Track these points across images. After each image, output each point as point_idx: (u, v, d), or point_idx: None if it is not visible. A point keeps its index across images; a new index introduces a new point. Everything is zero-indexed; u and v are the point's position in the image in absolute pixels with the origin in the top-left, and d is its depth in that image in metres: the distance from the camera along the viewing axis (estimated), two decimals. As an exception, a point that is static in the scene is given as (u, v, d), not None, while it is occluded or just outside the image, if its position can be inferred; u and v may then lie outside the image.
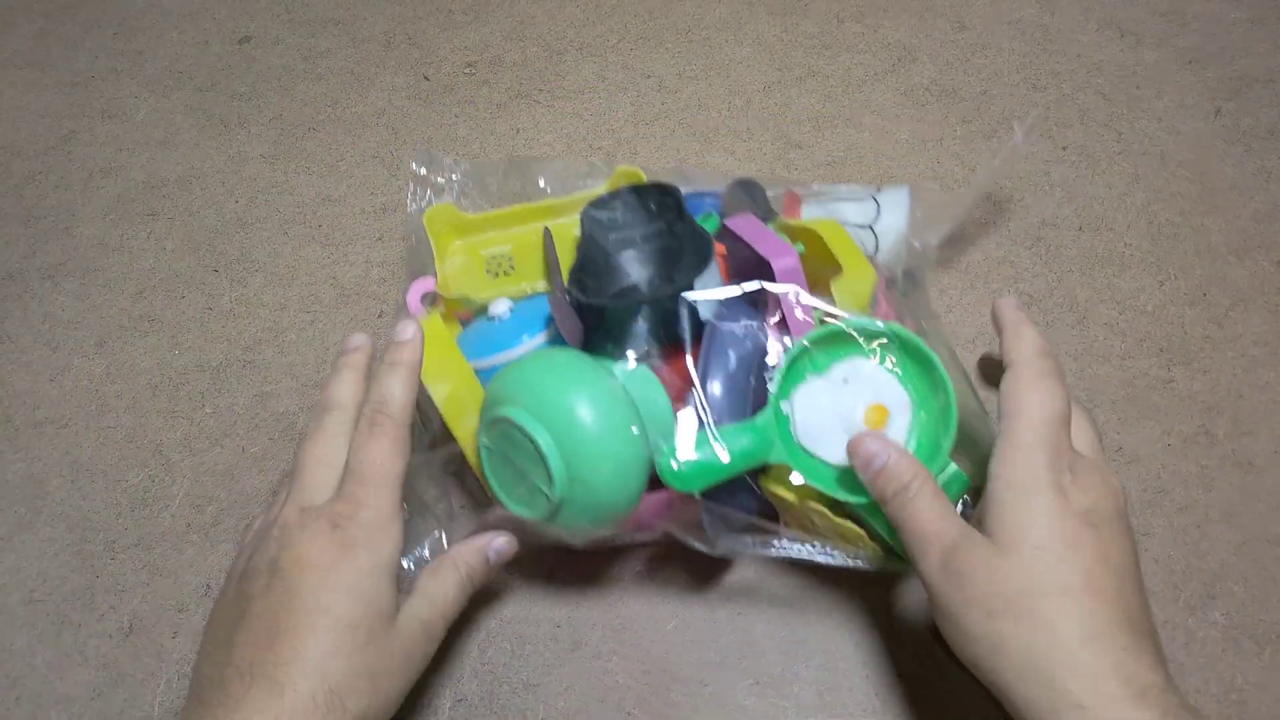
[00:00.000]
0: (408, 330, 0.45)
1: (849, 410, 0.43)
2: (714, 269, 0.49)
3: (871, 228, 0.55)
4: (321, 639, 0.36)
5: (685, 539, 0.45)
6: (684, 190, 0.58)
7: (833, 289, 0.47)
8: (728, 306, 0.48)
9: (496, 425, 0.44)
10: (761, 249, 0.47)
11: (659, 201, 0.51)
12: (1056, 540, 0.36)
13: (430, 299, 0.54)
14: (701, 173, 0.60)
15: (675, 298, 0.47)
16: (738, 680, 0.48)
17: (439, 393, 0.48)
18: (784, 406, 0.44)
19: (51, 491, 0.56)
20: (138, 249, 0.67)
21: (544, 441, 0.42)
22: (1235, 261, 0.62)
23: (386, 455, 0.41)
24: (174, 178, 0.71)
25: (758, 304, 0.48)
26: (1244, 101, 0.70)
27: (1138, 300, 0.60)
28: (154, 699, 0.48)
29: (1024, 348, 0.43)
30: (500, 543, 0.46)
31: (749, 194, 0.57)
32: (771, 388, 0.44)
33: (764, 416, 0.43)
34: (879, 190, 0.57)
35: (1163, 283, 0.61)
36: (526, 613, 0.50)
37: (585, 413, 0.42)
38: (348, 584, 0.37)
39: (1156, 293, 0.61)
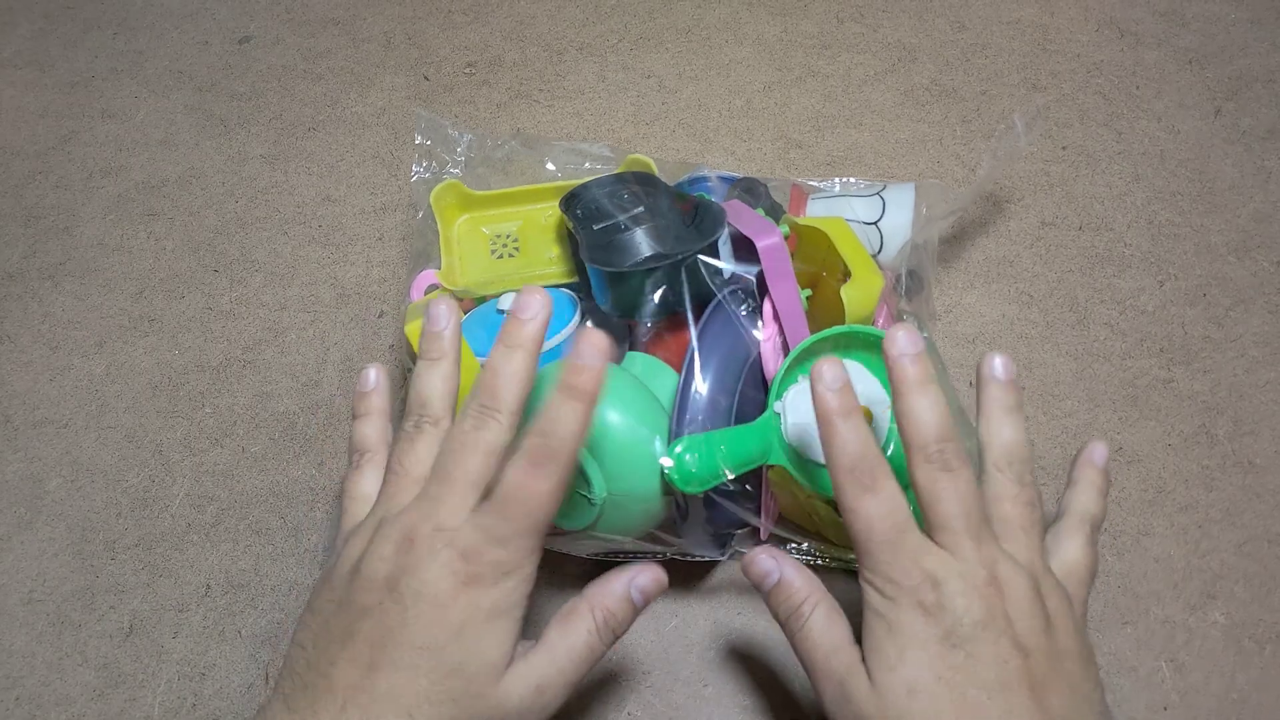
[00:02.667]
0: (589, 352, 0.35)
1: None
2: (728, 241, 0.49)
3: (877, 225, 0.55)
4: (420, 681, 0.33)
5: (694, 550, 0.46)
6: (685, 176, 0.59)
7: (842, 293, 0.47)
8: (722, 311, 0.48)
9: None
10: (745, 229, 0.47)
11: (635, 190, 0.51)
12: (923, 676, 0.33)
13: (432, 291, 0.54)
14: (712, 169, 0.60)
15: (692, 261, 0.47)
16: (738, 680, 0.48)
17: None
18: (776, 407, 0.44)
19: (51, 491, 0.56)
20: (138, 249, 0.67)
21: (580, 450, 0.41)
22: (1235, 261, 0.62)
23: (544, 498, 0.35)
24: (174, 178, 0.71)
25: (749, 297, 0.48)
26: (1244, 101, 0.70)
27: (1138, 300, 0.60)
28: (154, 699, 0.48)
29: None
30: (644, 580, 0.38)
31: (750, 192, 0.57)
32: (770, 393, 0.44)
33: (764, 418, 0.44)
34: (885, 188, 0.57)
35: (1163, 283, 0.61)
36: (527, 613, 0.50)
37: (614, 416, 0.42)
38: (461, 624, 0.34)
39: (1156, 293, 0.61)
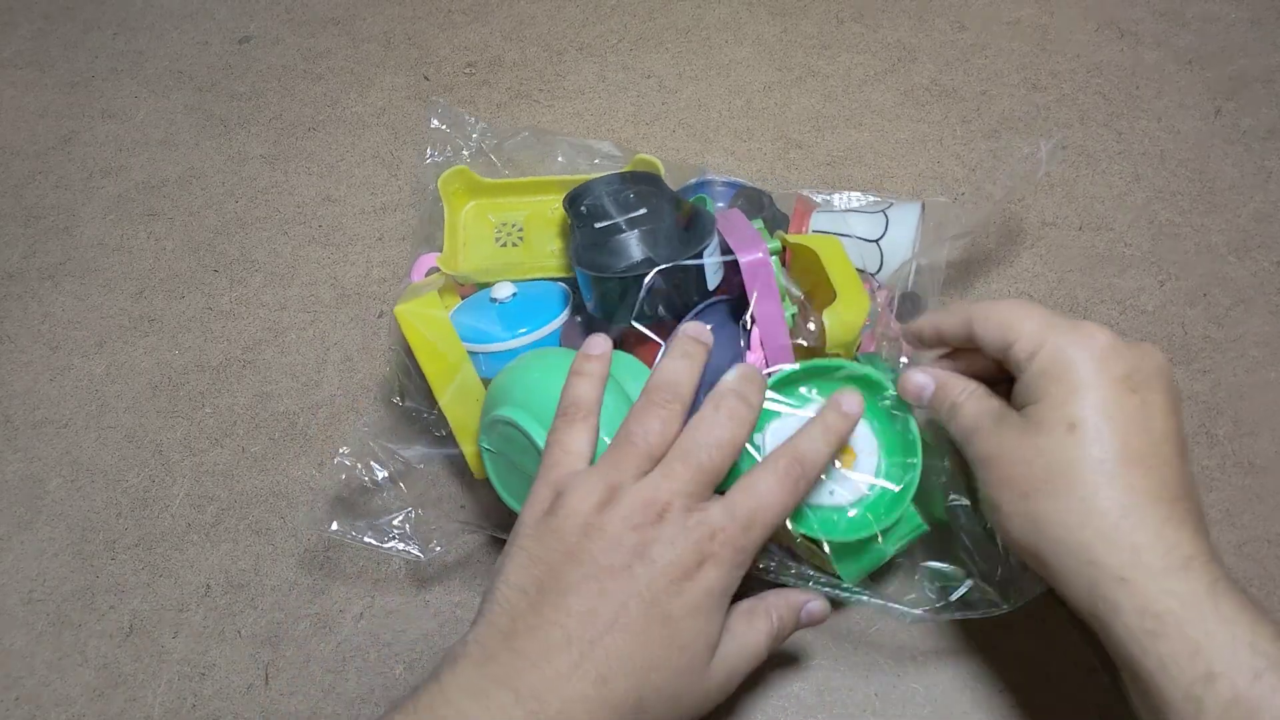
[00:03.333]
0: (850, 402, 0.41)
1: None
2: (716, 249, 0.49)
3: (878, 243, 0.55)
4: (654, 649, 0.35)
5: None
6: (690, 180, 0.58)
7: (824, 318, 0.46)
8: (708, 314, 0.47)
9: (496, 426, 0.44)
10: (732, 241, 0.46)
11: (638, 190, 0.51)
12: (1092, 412, 0.35)
13: (432, 274, 0.54)
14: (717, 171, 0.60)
15: (678, 269, 0.46)
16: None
17: (431, 372, 0.47)
18: (757, 439, 0.43)
19: (51, 491, 0.56)
20: (138, 249, 0.67)
21: (544, 441, 0.42)
22: (1235, 261, 0.62)
23: (785, 509, 0.38)
24: (174, 178, 0.71)
25: (739, 313, 0.47)
26: (1244, 101, 0.70)
27: (1138, 300, 0.60)
28: (154, 699, 0.48)
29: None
30: (815, 606, 0.41)
31: (752, 203, 0.56)
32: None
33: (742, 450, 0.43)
34: (891, 205, 0.56)
35: (1163, 283, 0.61)
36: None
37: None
38: (697, 602, 0.35)
39: (1156, 293, 0.61)
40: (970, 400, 0.40)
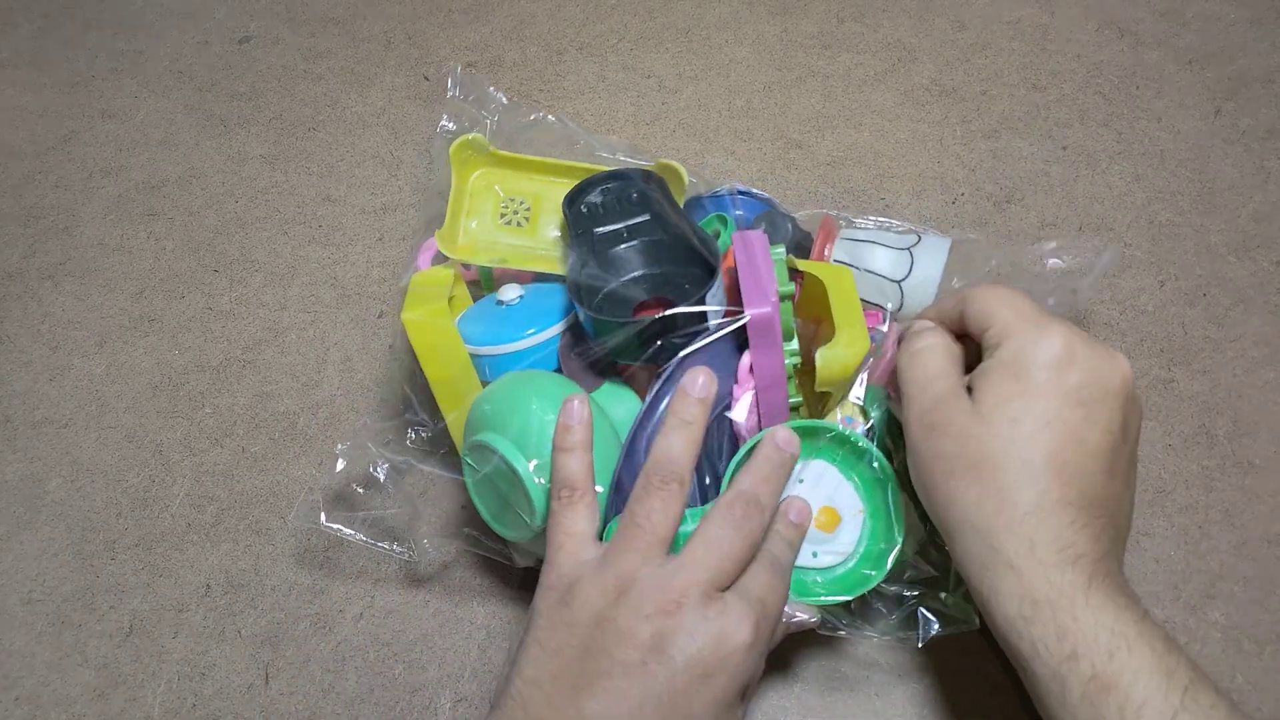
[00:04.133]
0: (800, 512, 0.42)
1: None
2: (719, 287, 0.47)
3: (900, 284, 0.53)
4: None
5: None
6: (716, 190, 0.57)
7: (817, 357, 0.45)
8: (713, 345, 0.46)
9: (478, 450, 0.44)
10: (744, 287, 0.44)
11: (646, 190, 0.50)
12: (1035, 416, 0.37)
13: (439, 260, 0.53)
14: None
15: (678, 316, 0.44)
16: (738, 680, 0.48)
17: (437, 381, 0.47)
18: None
19: (51, 491, 0.56)
20: (138, 249, 0.67)
21: (523, 471, 0.42)
22: (1235, 261, 0.62)
23: (783, 601, 0.40)
24: (174, 178, 0.71)
25: (742, 344, 0.45)
26: (1243, 101, 0.70)
27: (1138, 300, 0.60)
28: (154, 699, 0.48)
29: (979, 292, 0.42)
30: (802, 619, 0.42)
31: (776, 227, 0.55)
32: (724, 482, 0.43)
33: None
34: (919, 242, 0.54)
35: (1163, 283, 0.61)
36: (527, 613, 0.50)
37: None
38: (720, 696, 0.36)
39: (1156, 293, 0.61)
40: (932, 354, 0.41)
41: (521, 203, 0.56)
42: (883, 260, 0.53)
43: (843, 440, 0.44)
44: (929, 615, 0.44)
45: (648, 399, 0.44)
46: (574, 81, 0.75)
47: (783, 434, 0.42)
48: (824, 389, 0.46)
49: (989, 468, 0.36)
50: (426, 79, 0.77)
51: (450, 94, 0.59)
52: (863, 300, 0.51)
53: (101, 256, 0.67)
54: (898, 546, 0.42)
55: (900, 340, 0.43)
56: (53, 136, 0.74)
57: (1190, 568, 0.50)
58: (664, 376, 0.44)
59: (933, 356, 0.41)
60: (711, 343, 0.44)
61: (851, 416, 0.47)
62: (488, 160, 0.56)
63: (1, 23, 0.83)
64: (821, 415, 0.47)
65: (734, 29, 0.78)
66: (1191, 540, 0.51)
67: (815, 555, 0.43)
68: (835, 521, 0.44)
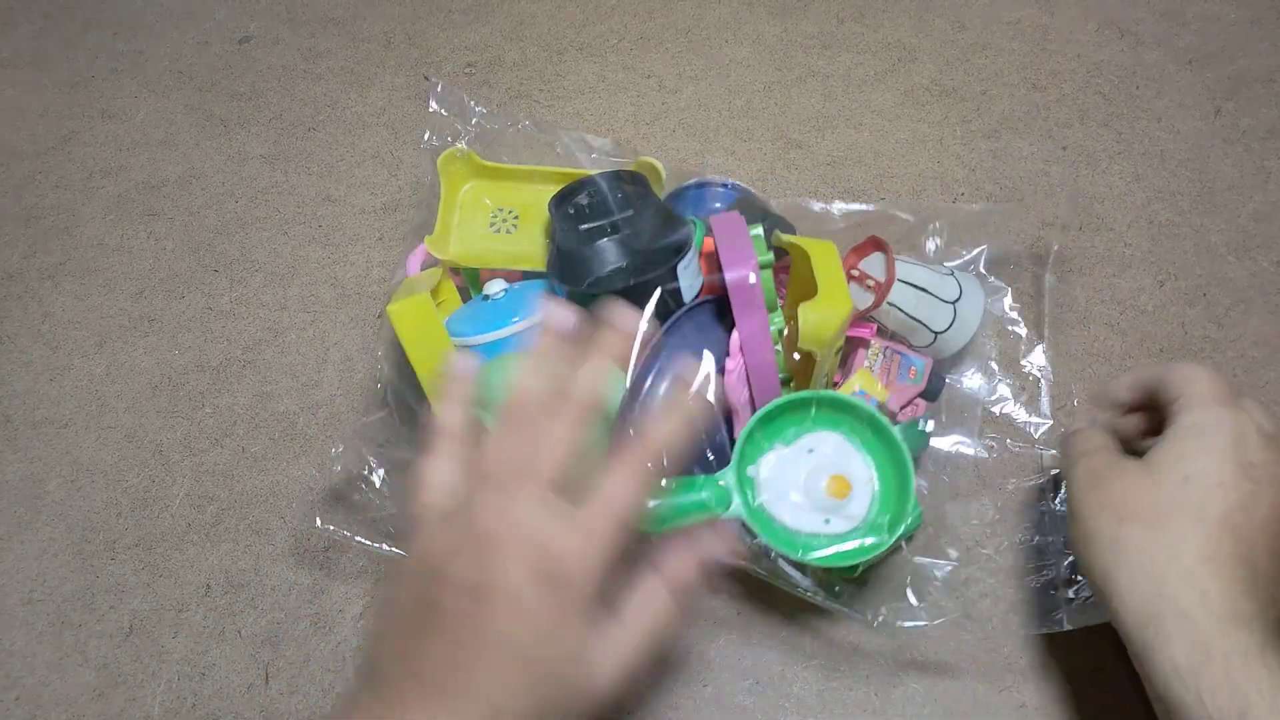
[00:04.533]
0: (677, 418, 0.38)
1: (812, 479, 0.44)
2: (693, 261, 0.49)
3: (955, 304, 0.53)
4: (506, 677, 0.33)
5: None
6: (688, 182, 0.58)
7: (799, 313, 0.45)
8: (695, 314, 0.47)
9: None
10: (722, 254, 0.45)
11: (627, 190, 0.51)
12: (1209, 477, 0.38)
13: (430, 264, 0.54)
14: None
15: (650, 285, 0.46)
16: (738, 680, 0.48)
17: (423, 370, 0.47)
18: (750, 471, 0.44)
19: (51, 491, 0.56)
20: (138, 249, 0.67)
21: None
22: (1235, 261, 0.62)
23: (637, 497, 0.36)
24: (174, 178, 0.71)
25: (726, 314, 0.46)
26: (1244, 101, 0.70)
27: (1138, 300, 0.60)
28: (154, 699, 0.48)
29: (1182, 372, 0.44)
30: (713, 548, 0.39)
31: (751, 208, 0.56)
32: (733, 452, 0.44)
33: (726, 475, 0.43)
34: (960, 294, 0.53)
35: (1163, 283, 0.61)
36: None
37: None
38: (543, 620, 0.34)
39: (1156, 293, 0.61)
40: (1096, 434, 0.44)
41: (510, 212, 0.57)
42: (927, 279, 0.53)
43: (853, 411, 0.45)
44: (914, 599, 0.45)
45: (629, 379, 0.44)
46: (574, 81, 0.75)
47: (550, 310, 0.40)
48: (806, 347, 0.45)
49: (1160, 516, 0.38)
50: (427, 79, 0.77)
51: (431, 109, 0.59)
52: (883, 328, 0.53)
53: (101, 256, 0.67)
54: (908, 518, 0.43)
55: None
56: (53, 136, 0.74)
57: (1190, 568, 0.50)
58: (646, 354, 0.44)
59: (1096, 436, 0.43)
60: (700, 321, 0.46)
61: (864, 389, 0.48)
62: (475, 171, 0.57)
63: (1, 23, 0.83)
64: (807, 382, 0.47)
65: (734, 29, 0.78)
66: (1191, 540, 0.51)
67: (828, 522, 0.43)
68: (846, 488, 0.44)
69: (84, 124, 0.75)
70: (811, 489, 0.44)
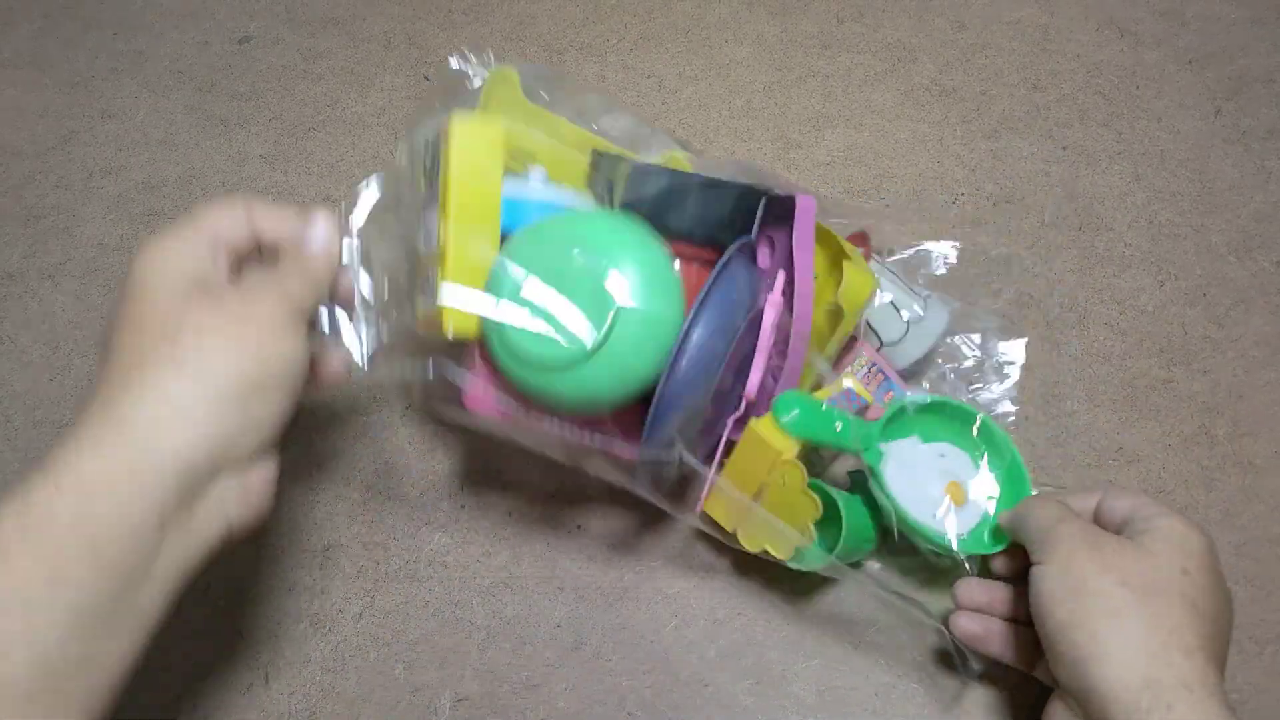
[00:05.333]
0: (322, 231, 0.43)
1: (935, 477, 0.49)
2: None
3: (909, 323, 0.54)
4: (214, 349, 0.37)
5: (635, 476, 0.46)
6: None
7: (844, 268, 0.47)
8: (735, 258, 0.47)
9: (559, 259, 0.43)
10: (790, 191, 0.47)
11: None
12: (1203, 576, 0.40)
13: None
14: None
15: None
16: (738, 680, 0.48)
17: (462, 207, 0.45)
18: (882, 446, 0.48)
19: (51, 491, 0.56)
20: (138, 249, 0.67)
21: (623, 278, 0.42)
22: (1235, 261, 0.62)
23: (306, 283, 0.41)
24: (174, 178, 0.71)
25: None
26: (1244, 101, 0.70)
27: (1138, 300, 0.60)
28: (154, 699, 0.49)
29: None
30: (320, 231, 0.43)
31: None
32: (885, 413, 0.48)
33: (872, 427, 0.47)
34: (922, 318, 0.54)
35: (1163, 283, 0.61)
36: (527, 613, 0.50)
37: (660, 262, 0.44)
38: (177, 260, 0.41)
39: (1156, 293, 0.61)
40: (1056, 502, 0.44)
41: (533, 160, 0.50)
42: (880, 317, 0.54)
43: (1000, 448, 0.50)
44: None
45: (694, 306, 0.43)
46: (574, 81, 0.75)
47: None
48: (842, 303, 0.47)
49: (1162, 592, 0.38)
50: (427, 79, 0.77)
51: (454, 66, 0.54)
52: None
53: (101, 256, 0.67)
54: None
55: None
56: (53, 136, 0.74)
57: (1190, 568, 0.50)
58: (711, 278, 0.44)
59: (1061, 503, 0.43)
60: (741, 263, 0.46)
61: (853, 389, 0.51)
62: (511, 107, 0.51)
63: (1, 23, 0.83)
64: (822, 348, 0.49)
65: (734, 29, 0.78)
66: (1191, 540, 0.51)
67: (934, 516, 0.48)
68: (961, 495, 0.49)
69: (84, 124, 0.75)
70: (931, 482, 0.49)
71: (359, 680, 0.49)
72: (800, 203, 0.46)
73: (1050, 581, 0.40)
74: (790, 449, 0.44)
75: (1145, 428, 0.55)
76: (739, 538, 0.47)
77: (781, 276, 0.47)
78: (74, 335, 0.63)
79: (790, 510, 0.45)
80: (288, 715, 0.48)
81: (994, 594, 0.46)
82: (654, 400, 0.43)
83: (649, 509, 0.53)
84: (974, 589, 0.46)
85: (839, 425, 0.46)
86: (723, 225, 0.49)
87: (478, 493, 0.54)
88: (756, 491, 0.46)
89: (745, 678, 0.48)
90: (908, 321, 0.54)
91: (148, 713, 0.48)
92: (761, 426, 0.45)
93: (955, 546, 0.46)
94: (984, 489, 0.49)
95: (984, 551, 0.46)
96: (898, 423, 0.49)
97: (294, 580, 0.52)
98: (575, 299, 0.43)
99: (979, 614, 0.46)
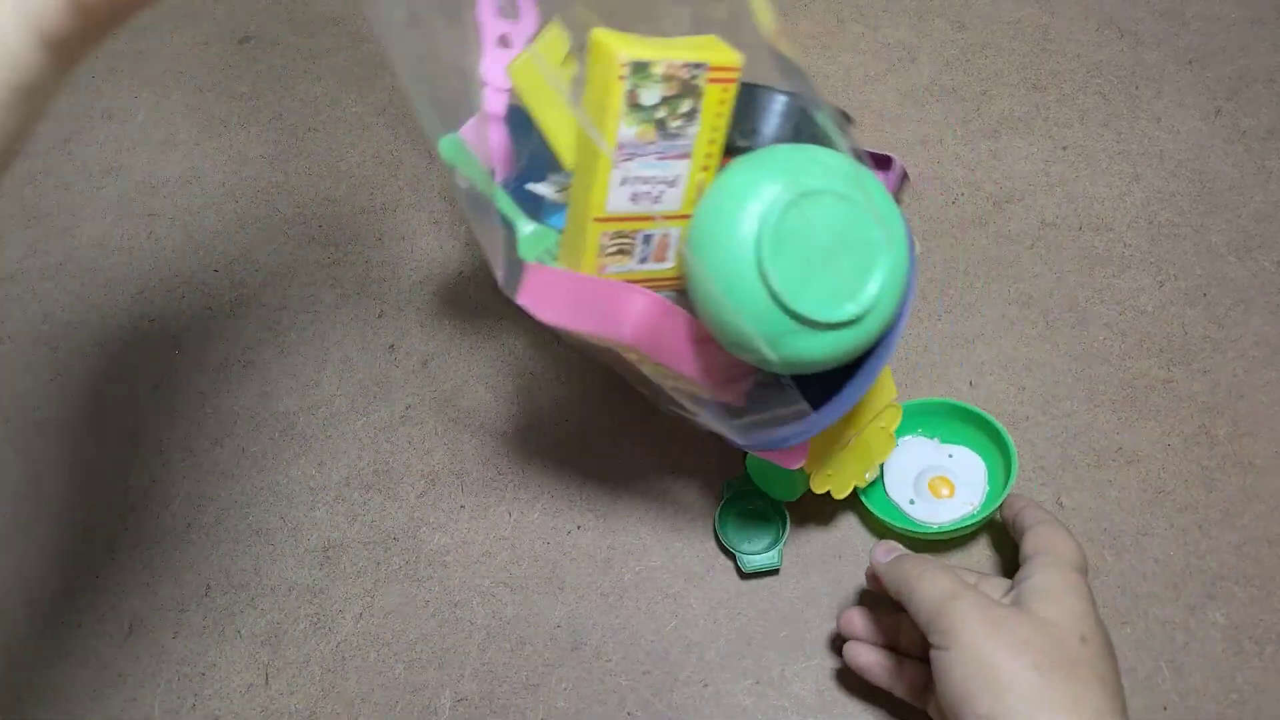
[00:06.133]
0: None
1: (929, 469, 0.53)
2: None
3: None
4: None
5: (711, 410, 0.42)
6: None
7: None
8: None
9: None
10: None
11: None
12: (1099, 637, 0.40)
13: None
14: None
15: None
16: (738, 680, 0.48)
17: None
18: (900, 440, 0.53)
19: (51, 491, 0.56)
20: (138, 249, 0.67)
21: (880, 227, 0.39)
22: (1235, 261, 0.62)
23: None
24: (174, 178, 0.71)
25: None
26: (1244, 101, 0.70)
27: (1138, 300, 0.60)
28: (154, 699, 0.49)
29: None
30: None
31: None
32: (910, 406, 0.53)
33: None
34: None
35: (1163, 283, 0.61)
36: (526, 613, 0.50)
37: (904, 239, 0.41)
38: None
39: (1156, 293, 0.61)
40: (947, 570, 0.42)
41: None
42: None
43: (976, 419, 0.53)
44: None
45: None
46: (574, 81, 0.75)
47: None
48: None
49: (1074, 667, 0.38)
50: (426, 79, 0.77)
51: None
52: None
53: (101, 256, 0.67)
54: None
55: (883, 563, 0.45)
56: (53, 136, 0.74)
57: (1190, 568, 0.50)
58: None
59: (949, 572, 0.42)
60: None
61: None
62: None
63: (1, 23, 0.83)
64: None
65: (734, 29, 0.78)
66: (1191, 540, 0.51)
67: (912, 503, 0.51)
68: (952, 490, 0.52)
69: (84, 124, 0.75)
70: (920, 472, 0.52)
71: (359, 680, 0.49)
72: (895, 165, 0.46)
73: (960, 670, 0.38)
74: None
75: (1145, 428, 0.55)
76: (811, 481, 0.48)
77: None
78: (74, 335, 0.63)
79: (868, 452, 0.49)
80: (288, 715, 0.48)
81: (878, 623, 0.46)
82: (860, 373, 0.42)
83: (650, 509, 0.53)
84: (855, 619, 0.46)
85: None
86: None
87: (478, 493, 0.54)
88: (848, 438, 0.48)
89: (745, 678, 0.48)
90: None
91: (148, 712, 0.48)
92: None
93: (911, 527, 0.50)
94: (975, 494, 0.52)
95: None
96: (910, 419, 0.54)
97: (294, 580, 0.52)
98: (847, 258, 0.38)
99: (867, 644, 0.46)
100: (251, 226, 0.68)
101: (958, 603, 0.39)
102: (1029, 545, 0.44)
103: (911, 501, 0.51)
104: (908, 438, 0.54)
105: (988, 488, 0.52)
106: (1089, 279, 0.61)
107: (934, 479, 0.52)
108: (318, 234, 0.67)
